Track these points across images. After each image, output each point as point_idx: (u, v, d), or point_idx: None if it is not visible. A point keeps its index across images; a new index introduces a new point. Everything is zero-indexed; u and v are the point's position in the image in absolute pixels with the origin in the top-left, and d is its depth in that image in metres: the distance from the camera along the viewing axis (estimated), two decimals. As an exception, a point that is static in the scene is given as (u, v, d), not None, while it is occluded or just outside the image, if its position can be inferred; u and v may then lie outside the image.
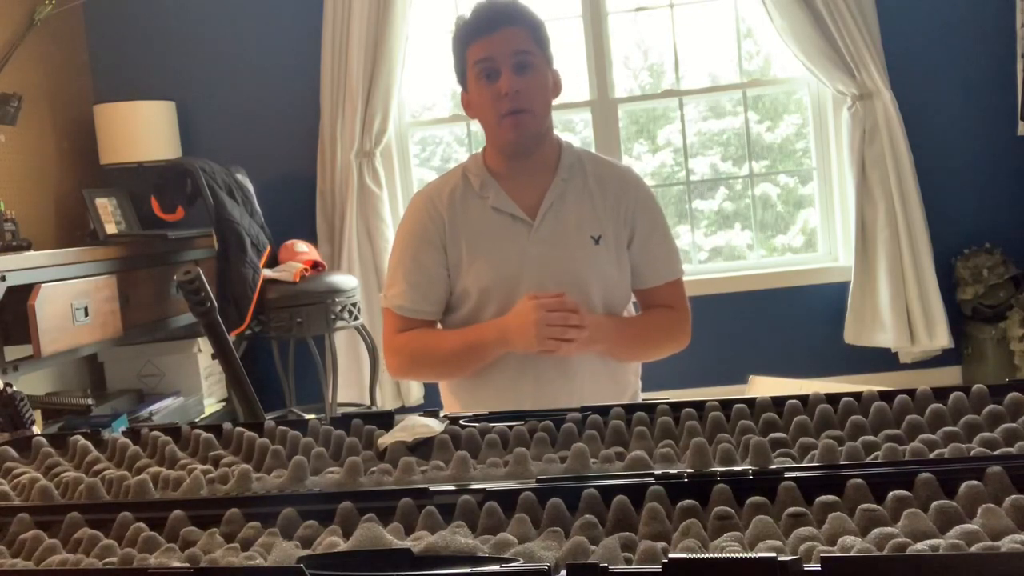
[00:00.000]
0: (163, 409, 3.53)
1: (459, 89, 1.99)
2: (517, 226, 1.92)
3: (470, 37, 1.88)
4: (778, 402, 1.24)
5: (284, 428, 1.33)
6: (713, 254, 4.30)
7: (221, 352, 1.76)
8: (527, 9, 1.92)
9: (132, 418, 3.36)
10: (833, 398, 1.23)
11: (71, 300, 2.87)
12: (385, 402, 3.98)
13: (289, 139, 4.11)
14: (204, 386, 3.81)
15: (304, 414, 3.48)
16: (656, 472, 1.01)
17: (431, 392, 3.93)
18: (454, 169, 2.03)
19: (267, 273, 3.47)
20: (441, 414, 1.33)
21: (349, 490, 1.07)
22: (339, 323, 3.47)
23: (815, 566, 0.70)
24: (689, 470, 1.00)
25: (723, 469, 1.00)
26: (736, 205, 4.29)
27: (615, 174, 2.00)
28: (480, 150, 2.02)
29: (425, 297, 1.94)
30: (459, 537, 0.87)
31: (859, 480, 0.91)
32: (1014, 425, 1.08)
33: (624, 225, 1.95)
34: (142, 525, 0.98)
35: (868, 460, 1.04)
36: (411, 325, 1.95)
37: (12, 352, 2.73)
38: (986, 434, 1.06)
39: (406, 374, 2.03)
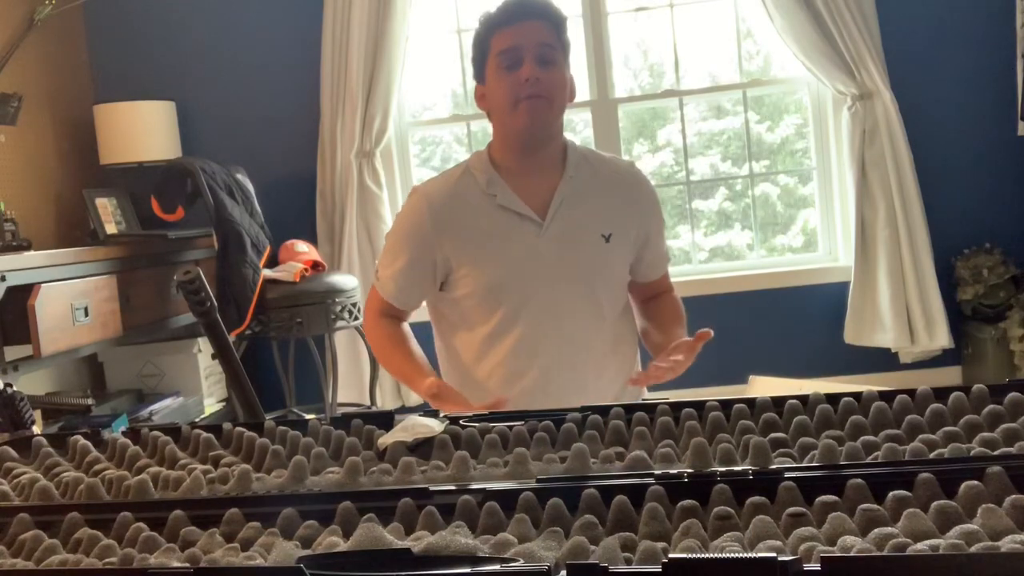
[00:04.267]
0: (163, 409, 3.53)
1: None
2: (525, 225, 1.92)
3: (496, 26, 1.89)
4: (778, 402, 1.24)
5: (284, 428, 1.33)
6: (713, 254, 4.30)
7: (221, 352, 1.76)
8: (555, 6, 1.93)
9: (132, 418, 3.36)
10: (833, 398, 1.23)
11: (71, 300, 2.87)
12: (385, 402, 3.98)
13: (289, 139, 4.11)
14: (204, 386, 3.81)
15: (304, 414, 3.48)
16: (656, 472, 1.01)
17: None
18: (456, 167, 2.02)
19: (267, 273, 3.47)
20: (441, 414, 1.33)
21: (349, 490, 1.07)
22: (339, 323, 3.47)
23: (815, 566, 0.70)
24: (689, 470, 1.00)
25: (723, 469, 0.99)
26: (736, 205, 4.29)
27: (625, 172, 2.03)
28: (485, 148, 2.01)
29: (403, 292, 2.01)
30: (459, 537, 0.87)
31: (859, 480, 0.91)
32: (1014, 425, 1.08)
33: (637, 227, 1.98)
34: (142, 525, 0.98)
35: (868, 460, 1.04)
36: (389, 308, 2.04)
37: (12, 352, 2.73)
38: (986, 434, 1.06)
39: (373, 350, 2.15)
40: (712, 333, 1.77)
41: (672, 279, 2.13)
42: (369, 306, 2.08)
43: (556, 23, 1.90)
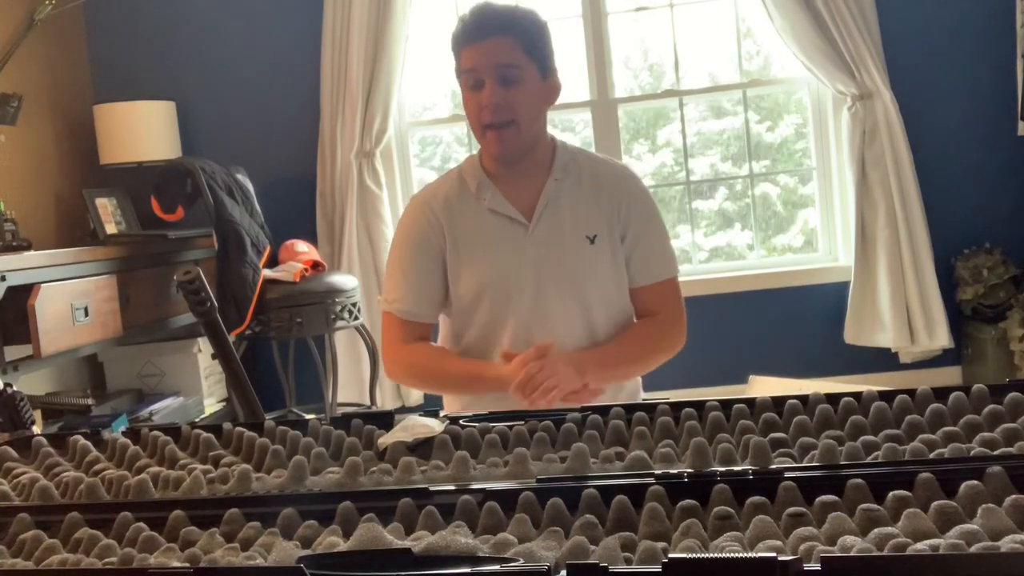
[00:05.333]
0: (163, 409, 3.53)
1: (459, 89, 1.98)
2: (514, 228, 1.92)
3: (460, 43, 1.88)
4: (778, 402, 1.24)
5: (284, 428, 1.33)
6: (713, 254, 4.30)
7: (221, 352, 1.76)
8: (522, 16, 1.89)
9: (132, 418, 3.36)
10: (833, 398, 1.23)
11: (71, 300, 2.87)
12: (385, 402, 3.98)
13: (289, 139, 4.11)
14: (204, 386, 3.81)
15: (304, 414, 3.48)
16: (656, 472, 1.01)
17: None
18: (450, 172, 2.03)
19: (267, 273, 3.47)
20: (441, 414, 1.33)
21: (349, 490, 1.07)
22: (339, 323, 3.47)
23: (815, 566, 0.70)
24: (689, 470, 1.00)
25: (723, 469, 1.00)
26: (736, 205, 4.29)
27: (610, 171, 2.00)
28: (477, 151, 2.02)
29: (425, 301, 1.95)
30: (459, 537, 0.87)
31: (859, 480, 0.91)
32: (1014, 425, 1.08)
33: (617, 221, 1.94)
34: (142, 525, 0.98)
35: (868, 460, 1.04)
36: (412, 329, 1.96)
37: (12, 352, 2.72)
38: (986, 434, 1.06)
39: (403, 383, 2.03)
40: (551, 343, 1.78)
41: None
42: (387, 340, 1.98)
43: (523, 34, 1.85)
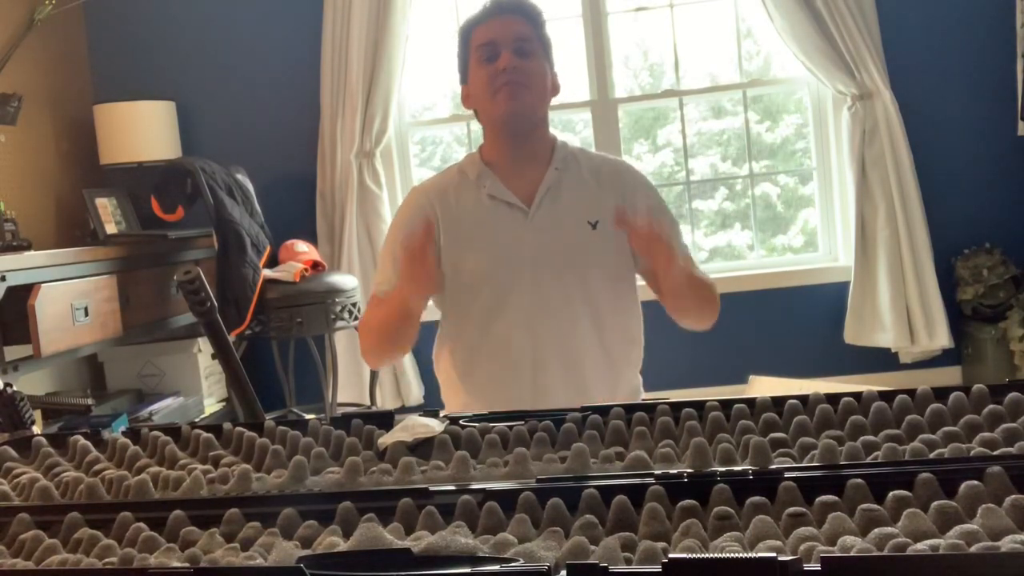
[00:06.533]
0: (163, 409, 3.53)
1: (459, 88, 2.01)
2: (514, 213, 1.94)
3: (474, 23, 1.94)
4: (778, 402, 1.24)
5: (284, 428, 1.33)
6: (713, 254, 4.30)
7: (221, 352, 1.76)
8: (534, 6, 1.97)
9: (132, 418, 3.36)
10: (833, 398, 1.23)
11: (71, 300, 2.87)
12: (385, 402, 3.98)
13: (289, 139, 4.11)
14: (204, 386, 3.81)
15: (304, 414, 3.48)
16: (656, 472, 1.01)
17: (431, 392, 3.93)
18: (450, 167, 2.06)
19: (267, 273, 3.47)
20: (441, 414, 1.34)
21: (349, 490, 1.07)
22: (339, 323, 3.47)
23: (815, 566, 0.70)
24: (689, 470, 1.00)
25: (723, 469, 1.00)
26: (736, 205, 4.29)
27: (610, 167, 2.03)
28: (476, 149, 2.03)
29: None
30: (459, 537, 0.87)
31: (859, 480, 0.91)
32: (1014, 425, 1.08)
33: (621, 207, 1.94)
34: (142, 525, 0.98)
35: (868, 460, 1.04)
36: None
37: (12, 352, 2.72)
38: (986, 434, 1.06)
39: (369, 353, 2.01)
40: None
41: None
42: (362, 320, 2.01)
43: (534, 19, 1.94)
